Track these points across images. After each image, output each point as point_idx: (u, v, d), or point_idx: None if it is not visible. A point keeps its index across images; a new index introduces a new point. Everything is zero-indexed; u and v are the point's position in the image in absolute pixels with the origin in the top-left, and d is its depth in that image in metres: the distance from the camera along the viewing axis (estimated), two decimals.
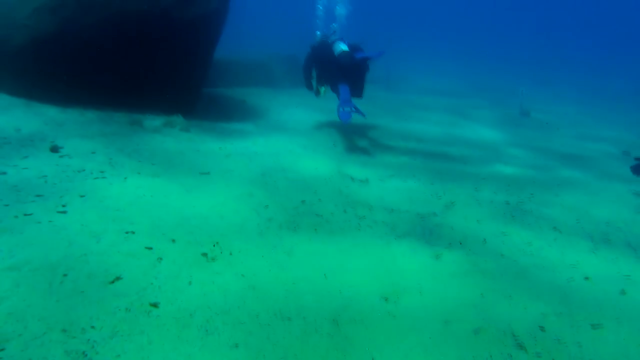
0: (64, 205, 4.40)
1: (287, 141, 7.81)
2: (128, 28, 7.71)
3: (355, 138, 8.66)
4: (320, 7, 11.01)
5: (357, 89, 8.36)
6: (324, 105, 9.96)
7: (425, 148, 8.45)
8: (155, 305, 3.12)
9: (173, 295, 3.24)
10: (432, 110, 13.57)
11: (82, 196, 4.66)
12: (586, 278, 4.07)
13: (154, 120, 7.57)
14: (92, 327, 2.84)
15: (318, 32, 9.60)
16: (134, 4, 7.69)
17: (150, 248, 3.81)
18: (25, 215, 4.17)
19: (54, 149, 5.89)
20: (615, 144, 10.84)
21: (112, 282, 3.32)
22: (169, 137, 6.99)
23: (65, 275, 3.30)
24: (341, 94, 8.05)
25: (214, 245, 3.95)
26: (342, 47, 8.29)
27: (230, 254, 3.86)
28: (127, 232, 4.02)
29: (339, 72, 8.29)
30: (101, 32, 7.61)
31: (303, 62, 9.30)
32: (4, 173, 5.01)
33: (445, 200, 5.64)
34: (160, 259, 3.68)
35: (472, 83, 20.36)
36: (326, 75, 8.71)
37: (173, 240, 3.96)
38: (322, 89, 8.74)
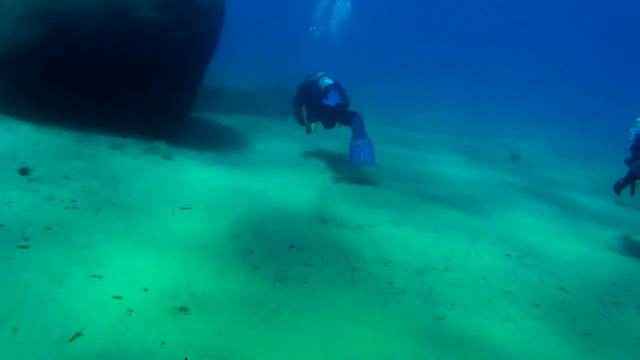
0: (26, 239, 3.94)
1: (274, 175, 7.42)
2: (114, 46, 7.32)
3: (345, 173, 8.30)
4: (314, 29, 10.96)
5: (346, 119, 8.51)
6: (312, 136, 9.65)
7: (420, 189, 8.12)
8: None
9: None
10: (429, 145, 13.33)
11: (47, 229, 4.20)
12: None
13: (135, 146, 7.13)
14: None
15: (313, 28, 9.60)
16: (123, 21, 7.32)
17: (119, 297, 3.36)
18: None
19: (24, 171, 5.42)
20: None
21: (71, 339, 2.86)
22: (150, 164, 6.56)
23: (15, 329, 2.83)
24: (354, 125, 8.10)
25: (190, 297, 3.50)
26: (328, 81, 8.55)
27: (209, 309, 3.42)
28: (94, 276, 3.57)
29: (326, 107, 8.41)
30: (85, 48, 7.21)
31: (294, 98, 9.50)
32: None
33: (444, 249, 5.27)
34: (130, 311, 3.22)
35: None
36: (317, 111, 8.81)
37: (145, 289, 3.51)
38: (313, 125, 8.85)
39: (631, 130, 6.59)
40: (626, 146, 6.63)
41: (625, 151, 6.68)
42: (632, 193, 6.71)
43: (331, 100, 8.16)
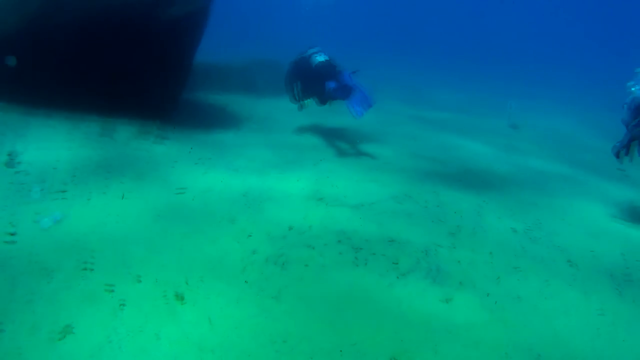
0: (12, 234, 3.76)
1: (270, 154, 7.21)
2: (102, 27, 7.05)
3: (343, 150, 8.10)
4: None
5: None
6: (308, 113, 9.44)
7: (420, 164, 7.93)
8: None
9: (136, 358, 2.63)
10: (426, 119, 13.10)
11: (36, 220, 4.02)
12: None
13: (127, 129, 6.91)
14: None
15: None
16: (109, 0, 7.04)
17: (112, 289, 3.19)
18: None
19: (10, 162, 5.22)
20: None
21: (61, 337, 2.69)
22: (143, 148, 6.35)
23: (1, 330, 2.66)
24: (344, 79, 7.95)
25: (187, 287, 3.34)
26: (320, 58, 8.48)
27: (206, 297, 3.25)
28: (84, 268, 3.39)
29: (319, 82, 8.26)
30: (71, 30, 6.94)
31: (285, 75, 9.29)
32: None
33: (449, 226, 5.10)
34: (123, 304, 3.06)
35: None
36: (309, 87, 8.64)
37: (139, 279, 3.34)
38: (307, 102, 8.72)
39: (629, 84, 6.16)
40: (624, 104, 6.21)
41: (622, 110, 6.24)
42: (627, 154, 6.33)
43: (334, 91, 7.95)
